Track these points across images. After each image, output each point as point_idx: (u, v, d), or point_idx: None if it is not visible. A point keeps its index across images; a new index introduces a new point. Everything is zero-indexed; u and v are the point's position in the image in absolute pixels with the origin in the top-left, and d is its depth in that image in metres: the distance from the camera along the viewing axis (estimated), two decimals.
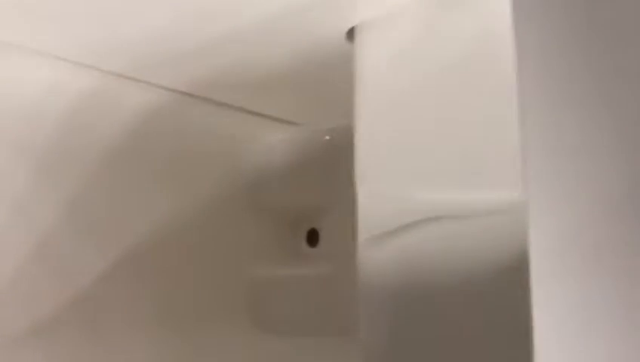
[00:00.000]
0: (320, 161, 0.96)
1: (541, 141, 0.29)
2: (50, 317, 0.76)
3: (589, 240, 0.29)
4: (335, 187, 0.95)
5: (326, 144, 0.97)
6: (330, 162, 0.95)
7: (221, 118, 0.92)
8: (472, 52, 0.55)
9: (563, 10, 0.30)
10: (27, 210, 0.77)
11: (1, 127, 0.74)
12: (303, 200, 0.98)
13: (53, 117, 0.77)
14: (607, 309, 0.29)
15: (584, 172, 0.29)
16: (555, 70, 0.30)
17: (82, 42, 0.73)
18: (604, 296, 0.28)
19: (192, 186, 0.91)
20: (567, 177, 0.29)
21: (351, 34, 0.69)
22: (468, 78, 0.55)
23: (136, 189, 0.85)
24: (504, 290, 0.47)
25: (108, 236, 0.83)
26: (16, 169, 0.76)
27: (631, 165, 0.28)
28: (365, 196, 0.63)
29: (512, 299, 0.42)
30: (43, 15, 0.65)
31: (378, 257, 0.60)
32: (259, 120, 0.95)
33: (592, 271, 0.29)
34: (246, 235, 0.96)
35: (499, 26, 0.35)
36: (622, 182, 0.28)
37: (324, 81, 0.81)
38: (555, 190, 0.29)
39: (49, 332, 0.76)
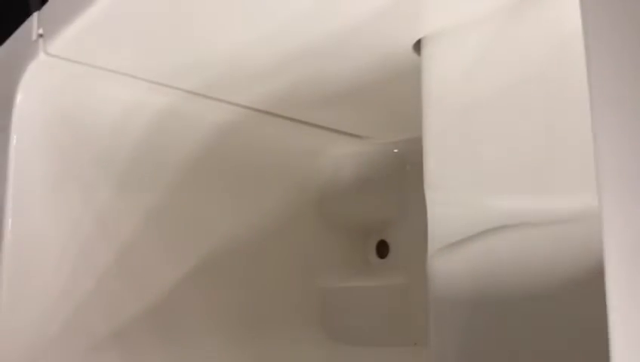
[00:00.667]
0: (389, 173, 0.97)
1: (614, 148, 0.29)
2: (129, 325, 0.80)
3: None
4: (404, 199, 0.96)
5: (394, 156, 0.97)
6: (399, 175, 0.96)
7: (292, 133, 0.94)
8: (545, 60, 0.54)
9: (635, 14, 0.30)
10: (108, 222, 0.81)
11: (87, 144, 0.78)
12: (372, 212, 0.99)
13: (133, 134, 0.81)
14: None
15: None
16: (628, 75, 0.30)
17: (160, 63, 0.76)
18: None
19: (264, 199, 0.93)
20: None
21: (418, 46, 0.70)
22: (542, 87, 0.55)
23: (212, 203, 0.88)
24: (579, 300, 0.47)
25: (184, 247, 0.86)
26: (99, 183, 0.80)
27: None
28: (435, 205, 0.63)
29: (588, 309, 0.42)
30: (123, 37, 0.69)
31: (449, 266, 0.60)
32: (328, 134, 0.97)
33: None
34: (316, 247, 0.97)
35: (572, 33, 0.35)
36: None
37: (393, 94, 0.82)
38: (629, 196, 0.29)
39: (128, 339, 0.79)
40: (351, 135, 0.98)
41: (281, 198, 0.95)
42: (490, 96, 0.58)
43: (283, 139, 0.94)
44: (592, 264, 0.46)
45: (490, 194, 0.58)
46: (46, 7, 0.72)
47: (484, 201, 0.58)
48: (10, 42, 0.79)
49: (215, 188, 0.89)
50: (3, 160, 0.74)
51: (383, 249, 0.99)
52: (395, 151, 0.97)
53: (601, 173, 0.30)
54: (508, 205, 0.56)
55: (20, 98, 0.73)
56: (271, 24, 0.65)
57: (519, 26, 0.58)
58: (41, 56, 0.71)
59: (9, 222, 0.73)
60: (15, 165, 0.74)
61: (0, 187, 0.74)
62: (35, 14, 0.73)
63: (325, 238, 0.98)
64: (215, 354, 0.83)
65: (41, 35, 0.71)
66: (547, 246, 0.51)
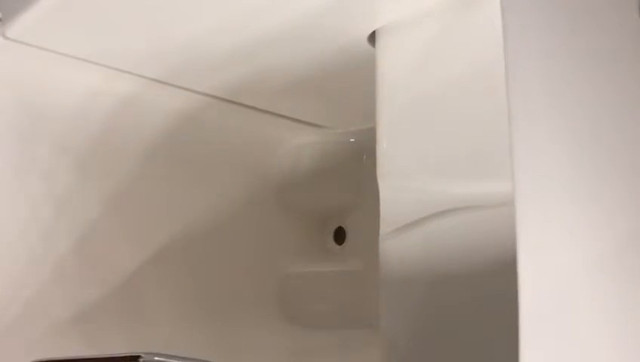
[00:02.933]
0: (345, 162, 1.00)
1: (527, 138, 0.32)
2: (89, 309, 0.81)
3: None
4: (360, 187, 0.99)
5: (352, 146, 1.00)
6: (355, 163, 0.99)
7: (253, 121, 0.96)
8: (483, 55, 0.57)
9: (551, 19, 0.33)
10: (70, 206, 0.82)
11: (46, 129, 0.79)
12: (329, 199, 1.02)
13: (94, 119, 0.82)
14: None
15: (563, 167, 0.31)
16: (540, 74, 0.33)
17: (121, 50, 0.77)
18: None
19: (225, 187, 0.95)
20: (549, 173, 0.31)
21: (372, 37, 0.72)
22: (482, 80, 0.58)
23: (172, 189, 0.89)
24: (496, 280, 0.50)
25: (144, 233, 0.87)
26: (59, 167, 0.81)
27: (606, 160, 0.31)
28: (387, 191, 0.66)
29: (504, 290, 0.44)
30: (82, 23, 0.70)
31: (399, 248, 0.63)
32: (289, 123, 0.99)
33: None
34: (276, 233, 1.00)
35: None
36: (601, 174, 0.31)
37: (349, 84, 0.85)
38: (539, 184, 0.32)
39: (88, 323, 0.80)
40: (310, 124, 1.01)
41: (242, 186, 0.97)
42: (436, 87, 0.61)
43: (244, 127, 0.96)
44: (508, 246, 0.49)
45: (437, 180, 0.61)
46: None
47: (431, 186, 0.61)
48: None
49: (176, 175, 0.90)
50: None
51: (340, 235, 1.02)
52: (352, 140, 1.00)
53: (514, 161, 0.33)
54: (453, 190, 0.59)
55: None
56: (228, 14, 0.67)
57: (464, 21, 0.60)
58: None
59: None
60: None
61: None
62: None
63: (285, 225, 1.00)
64: (176, 335, 0.85)
65: None
66: (486, 228, 0.54)
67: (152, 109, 0.86)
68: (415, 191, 0.63)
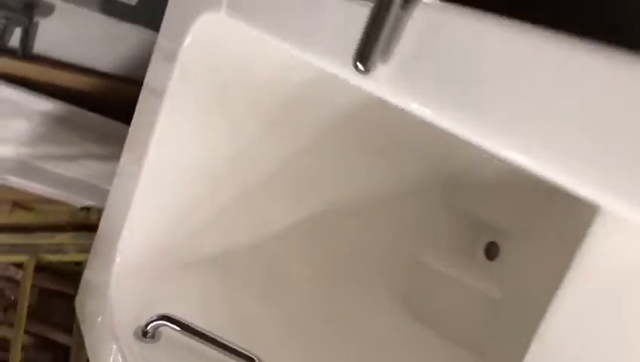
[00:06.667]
0: (524, 187, 0.92)
1: None
2: (233, 254, 0.88)
3: None
4: (534, 216, 0.92)
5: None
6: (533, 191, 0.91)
7: None
8: None
9: None
10: (246, 157, 0.85)
11: (243, 89, 0.80)
12: (497, 214, 0.97)
13: (287, 89, 0.82)
14: None
15: None
16: None
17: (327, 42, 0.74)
18: None
19: (392, 169, 0.93)
20: None
21: None
22: None
23: (342, 162, 0.90)
24: None
25: (303, 196, 0.90)
26: (248, 123, 0.83)
27: None
28: None
29: None
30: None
31: None
32: None
33: None
34: (429, 225, 0.98)
35: None
36: None
37: None
38: None
39: (229, 265, 0.88)
40: None
41: (410, 172, 0.95)
42: None
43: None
44: None
45: None
46: None
47: None
48: None
49: (349, 151, 0.90)
50: (164, 84, 0.78)
51: (492, 250, 0.98)
52: None
53: None
54: None
55: (189, 38, 0.74)
56: None
57: None
58: (223, 7, 0.71)
59: (154, 136, 0.79)
60: (173, 90, 0.78)
61: (156, 102, 0.79)
62: None
63: (440, 219, 0.98)
64: (303, 299, 0.90)
65: None
66: None
67: (340, 89, 0.84)
68: None
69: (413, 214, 0.97)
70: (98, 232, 0.92)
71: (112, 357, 0.75)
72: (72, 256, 1.15)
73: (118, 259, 0.83)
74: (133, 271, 0.83)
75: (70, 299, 0.99)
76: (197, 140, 0.82)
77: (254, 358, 0.72)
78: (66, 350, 1.11)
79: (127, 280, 0.82)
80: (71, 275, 1.13)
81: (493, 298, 0.94)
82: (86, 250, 0.96)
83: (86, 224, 1.18)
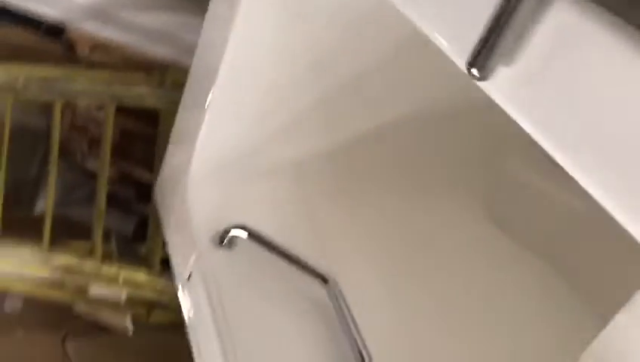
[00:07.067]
0: None
1: None
2: (311, 158, 0.86)
3: None
4: None
5: None
6: None
7: None
8: None
9: None
10: (327, 66, 0.80)
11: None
12: None
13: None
14: None
15: None
16: None
17: None
18: None
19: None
20: None
21: None
22: None
23: (428, 70, 0.83)
24: None
25: (386, 101, 0.85)
26: (320, 35, 0.77)
27: None
28: None
29: None
30: None
31: None
32: None
33: None
34: (514, 132, 0.92)
35: None
36: None
37: None
38: None
39: (303, 168, 0.86)
40: None
41: None
42: None
43: None
44: None
45: None
46: None
47: None
48: None
49: (431, 63, 0.83)
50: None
51: None
52: None
53: None
54: None
55: None
56: None
57: None
58: None
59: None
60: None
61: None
62: None
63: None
64: (378, 208, 0.89)
65: None
66: None
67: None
68: None
69: (497, 122, 0.91)
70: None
71: (192, 259, 0.77)
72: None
73: (198, 148, 0.81)
74: (211, 170, 0.82)
75: (149, 138, 1.03)
76: (275, 46, 0.76)
77: (328, 279, 0.72)
78: (147, 187, 1.13)
79: (205, 181, 0.81)
80: (150, 116, 1.12)
81: (579, 210, 0.90)
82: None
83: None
